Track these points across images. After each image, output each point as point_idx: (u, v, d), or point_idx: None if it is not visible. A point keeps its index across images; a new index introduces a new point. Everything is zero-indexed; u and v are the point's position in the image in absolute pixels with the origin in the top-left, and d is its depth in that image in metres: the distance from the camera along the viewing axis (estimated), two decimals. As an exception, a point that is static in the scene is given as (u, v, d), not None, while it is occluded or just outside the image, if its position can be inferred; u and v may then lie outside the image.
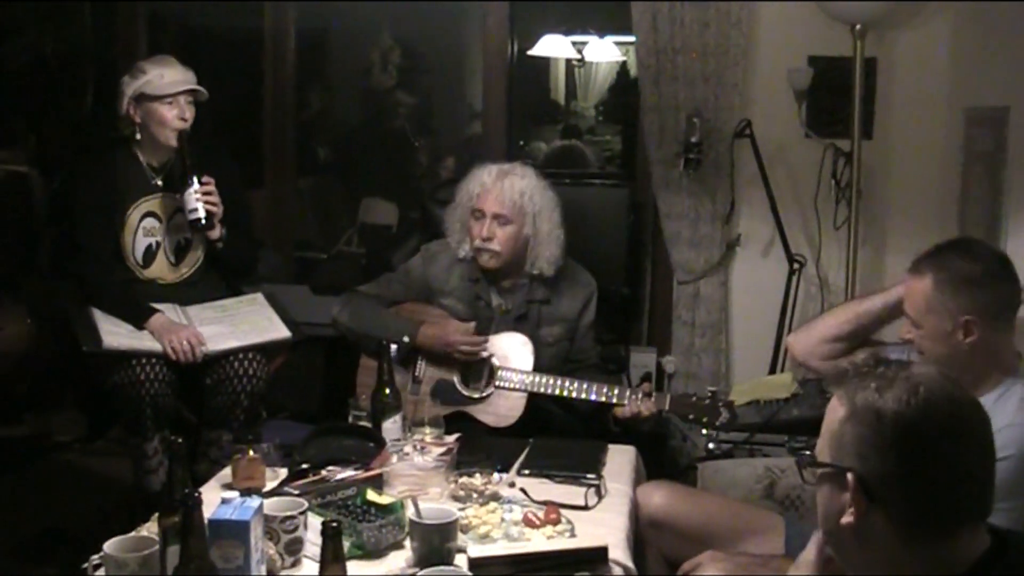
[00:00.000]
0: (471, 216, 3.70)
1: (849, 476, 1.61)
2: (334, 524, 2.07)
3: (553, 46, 5.90)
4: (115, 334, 3.61)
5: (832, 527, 1.68)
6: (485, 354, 3.61)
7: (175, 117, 3.71)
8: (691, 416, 3.39)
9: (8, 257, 5.14)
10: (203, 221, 3.68)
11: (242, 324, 3.78)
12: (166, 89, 3.70)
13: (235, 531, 2.18)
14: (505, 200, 3.66)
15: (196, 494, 2.06)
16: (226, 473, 2.90)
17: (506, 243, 3.66)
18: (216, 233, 3.76)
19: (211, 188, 3.69)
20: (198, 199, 3.66)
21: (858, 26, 4.14)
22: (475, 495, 2.78)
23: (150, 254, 3.82)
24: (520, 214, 3.67)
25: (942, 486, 1.58)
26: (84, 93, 5.62)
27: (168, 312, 3.71)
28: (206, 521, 2.12)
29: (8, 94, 5.56)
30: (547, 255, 3.72)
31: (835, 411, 1.67)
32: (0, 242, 5.11)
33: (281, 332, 3.79)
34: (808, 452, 3.62)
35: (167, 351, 3.58)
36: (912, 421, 1.58)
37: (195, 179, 3.67)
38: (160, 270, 3.84)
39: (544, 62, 6.36)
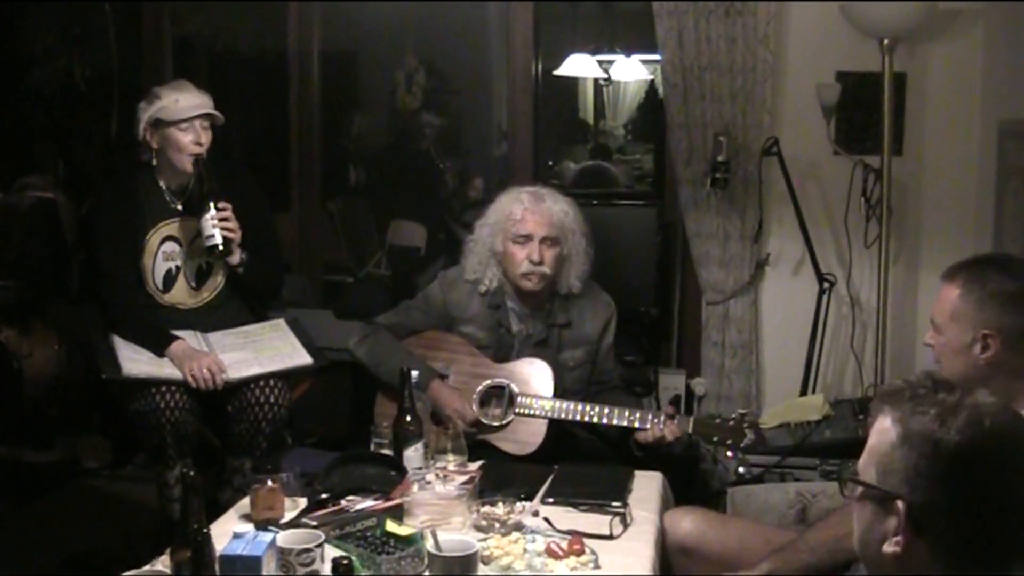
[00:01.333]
0: (512, 242, 3.65)
1: (899, 504, 1.55)
2: (344, 561, 2.03)
3: (579, 66, 5.87)
4: (136, 361, 3.60)
5: (872, 553, 1.62)
6: (504, 383, 3.57)
7: (191, 142, 3.69)
8: (715, 438, 3.32)
9: (38, 282, 5.16)
10: (220, 247, 3.66)
11: (264, 351, 3.75)
12: (181, 114, 3.69)
13: (247, 567, 2.15)
14: (554, 221, 3.64)
15: (206, 529, 2.02)
16: (245, 503, 2.87)
17: (553, 264, 3.64)
18: (236, 259, 3.73)
19: (228, 214, 3.67)
20: (214, 225, 3.64)
21: (886, 41, 4.09)
22: (497, 525, 2.74)
23: (170, 279, 3.81)
24: (564, 234, 3.66)
25: (995, 522, 1.52)
26: (111, 118, 5.65)
27: (189, 339, 3.70)
28: (218, 556, 2.09)
29: (38, 120, 5.59)
30: (576, 272, 3.71)
31: (885, 432, 1.60)
32: (30, 267, 5.13)
33: (303, 359, 3.76)
34: (834, 468, 3.59)
35: (188, 379, 3.56)
36: (971, 455, 1.52)
37: (212, 205, 3.65)
38: (180, 295, 3.82)
39: (572, 82, 6.34)
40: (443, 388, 3.59)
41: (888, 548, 1.57)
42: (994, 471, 1.52)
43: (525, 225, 3.64)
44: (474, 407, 3.56)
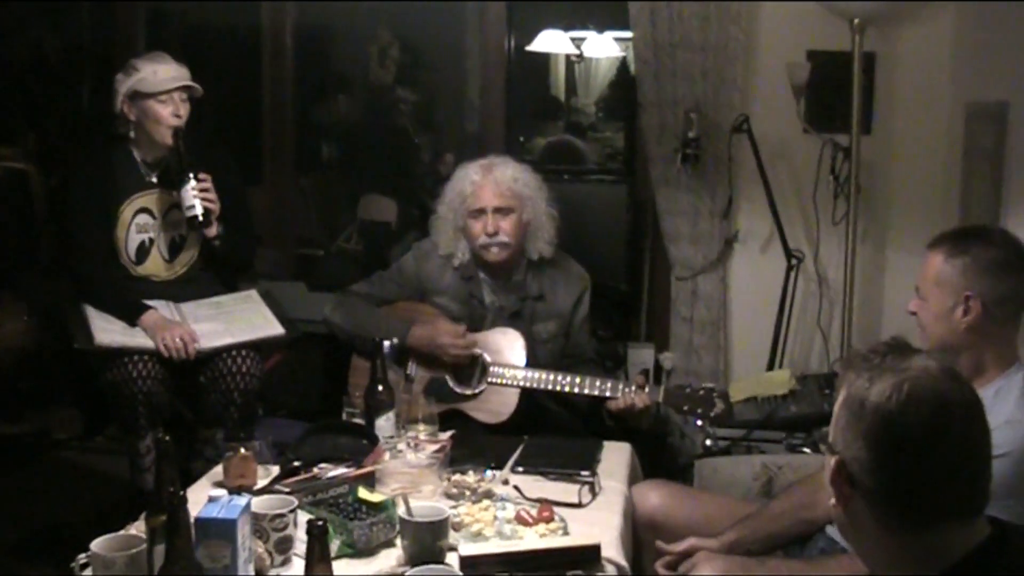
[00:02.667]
0: (468, 217, 3.68)
1: (832, 460, 1.65)
2: (319, 523, 2.06)
3: (551, 42, 5.86)
4: (108, 331, 3.60)
5: (831, 507, 1.71)
6: (476, 351, 3.60)
7: (170, 114, 3.69)
8: (685, 407, 3.36)
9: (7, 254, 5.14)
10: (200, 218, 3.66)
11: (237, 321, 3.76)
12: (160, 86, 3.68)
13: (222, 530, 2.16)
14: (503, 190, 3.67)
15: (182, 493, 2.04)
16: (218, 471, 2.89)
17: (512, 232, 3.66)
18: (213, 231, 3.74)
19: (208, 185, 3.67)
20: (195, 196, 3.64)
21: (857, 21, 4.12)
22: (468, 493, 2.77)
23: (143, 251, 3.81)
24: (518, 200, 3.68)
25: (917, 482, 1.58)
26: (83, 90, 5.62)
27: (162, 309, 3.70)
28: (192, 520, 2.11)
29: (8, 91, 5.56)
30: (545, 237, 3.74)
31: (839, 393, 1.69)
32: (-1, 239, 5.11)
33: (276, 329, 3.78)
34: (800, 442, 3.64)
35: (160, 348, 3.57)
36: (889, 416, 1.58)
37: (192, 176, 3.65)
38: (154, 267, 3.83)
39: (543, 58, 6.32)
40: (422, 327, 3.61)
41: (830, 500, 1.68)
42: (909, 435, 1.58)
43: (476, 199, 3.67)
44: (447, 377, 3.59)
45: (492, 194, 3.66)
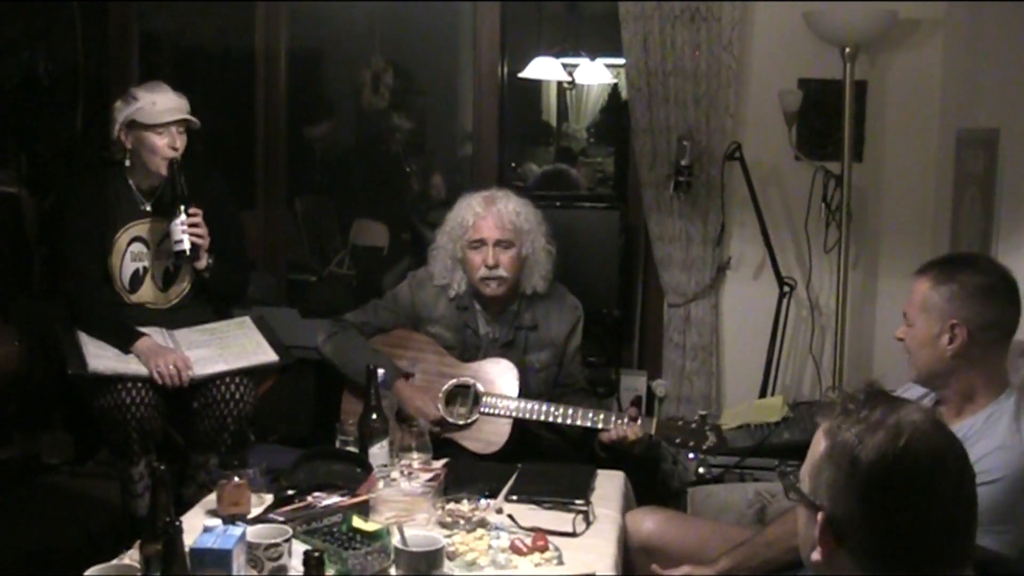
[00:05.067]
0: (468, 248, 3.69)
1: (819, 516, 1.60)
2: (316, 554, 2.06)
3: (544, 68, 5.89)
4: (101, 357, 3.59)
5: (806, 556, 1.67)
6: (469, 382, 3.60)
7: (166, 146, 3.69)
8: (678, 440, 3.36)
9: (-2, 278, 5.12)
10: (188, 252, 3.66)
11: (230, 348, 3.76)
12: (158, 118, 3.68)
13: (217, 559, 2.17)
14: (505, 224, 3.67)
15: (177, 523, 2.04)
16: (211, 499, 2.88)
17: (511, 267, 3.66)
18: (203, 264, 3.74)
19: (198, 220, 3.68)
20: (184, 231, 3.64)
21: (848, 49, 4.15)
22: (462, 521, 2.77)
23: (137, 279, 3.81)
24: (519, 235, 3.69)
25: (911, 537, 1.56)
26: (76, 113, 5.61)
27: (155, 335, 3.70)
28: (187, 549, 2.11)
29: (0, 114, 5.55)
30: (541, 272, 3.75)
31: (818, 443, 1.65)
32: (-10, 263, 5.09)
33: (268, 356, 3.77)
34: (793, 470, 3.64)
35: (153, 375, 3.56)
36: (886, 473, 1.55)
37: (183, 209, 3.64)
38: (147, 295, 3.83)
39: (536, 84, 6.36)
40: (407, 387, 3.61)
41: (814, 555, 1.62)
42: (906, 490, 1.55)
43: (478, 231, 3.68)
44: (439, 406, 3.58)
45: (494, 226, 3.67)
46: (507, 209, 3.70)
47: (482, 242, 3.66)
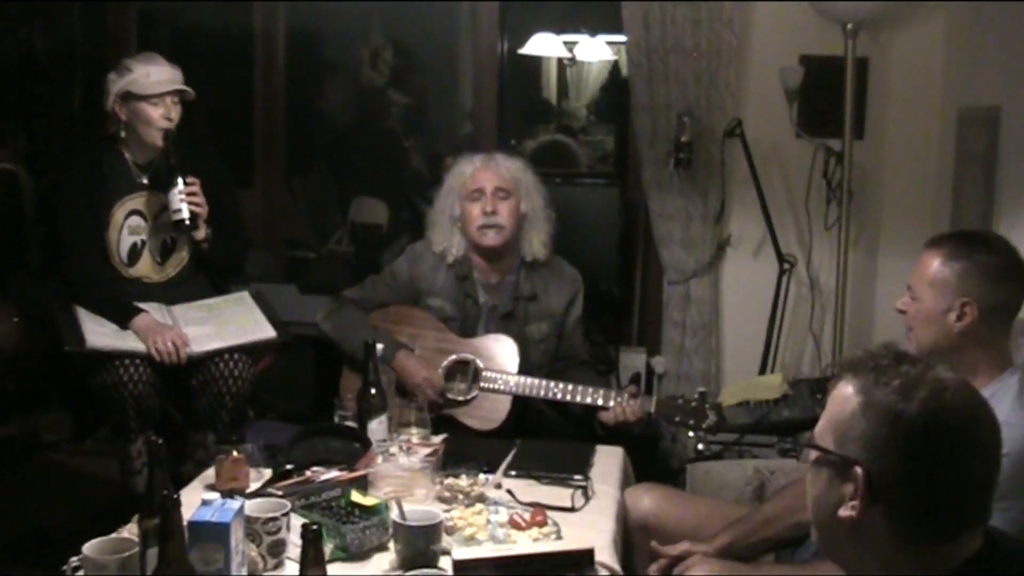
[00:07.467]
0: (467, 200, 3.70)
1: (858, 470, 1.58)
2: (314, 527, 2.05)
3: (544, 45, 5.87)
4: (99, 334, 3.58)
5: (826, 516, 1.65)
6: (469, 358, 3.59)
7: (160, 117, 3.68)
8: (677, 419, 3.35)
9: (-4, 255, 5.11)
10: (187, 222, 3.65)
11: (228, 324, 3.75)
12: (152, 88, 3.67)
13: (215, 533, 2.16)
14: (503, 174, 3.72)
15: (175, 496, 2.03)
16: (209, 474, 2.88)
17: (509, 217, 3.69)
18: (201, 234, 3.73)
19: (195, 188, 3.66)
20: (182, 199, 3.63)
21: (850, 25, 4.13)
22: (461, 497, 2.77)
23: (135, 253, 3.80)
24: (518, 187, 3.73)
25: (949, 493, 1.55)
26: (74, 91, 5.59)
27: (153, 312, 3.69)
28: (186, 523, 2.10)
29: (-2, 92, 5.53)
30: (541, 237, 3.76)
31: (847, 400, 1.62)
32: (-11, 240, 5.08)
33: (267, 332, 3.77)
34: (791, 446, 3.64)
35: (151, 352, 3.55)
36: (931, 428, 1.54)
37: (180, 179, 3.64)
38: (145, 269, 3.82)
39: (535, 61, 6.33)
40: (410, 358, 3.60)
41: (844, 512, 1.60)
42: (951, 445, 1.55)
43: (476, 181, 3.71)
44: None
45: (493, 176, 3.71)
46: (508, 163, 3.77)
47: (481, 192, 3.69)
